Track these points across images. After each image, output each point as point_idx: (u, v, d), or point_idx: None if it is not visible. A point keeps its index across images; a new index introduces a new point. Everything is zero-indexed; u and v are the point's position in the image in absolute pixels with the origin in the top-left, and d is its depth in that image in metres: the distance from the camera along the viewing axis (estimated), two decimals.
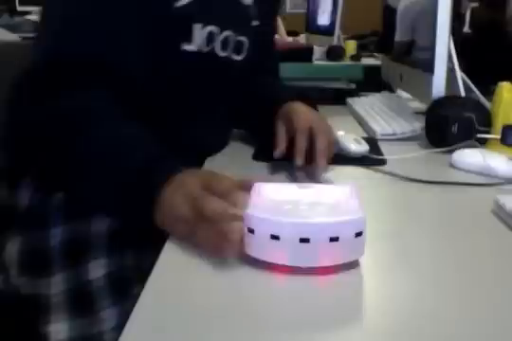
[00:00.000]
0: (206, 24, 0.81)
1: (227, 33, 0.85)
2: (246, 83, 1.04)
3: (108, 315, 0.76)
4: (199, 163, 0.90)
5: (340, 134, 0.97)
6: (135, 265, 0.80)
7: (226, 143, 1.03)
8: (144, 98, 0.78)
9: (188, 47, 0.81)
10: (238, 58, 0.91)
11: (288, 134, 0.84)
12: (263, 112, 0.96)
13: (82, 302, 0.76)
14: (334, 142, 0.86)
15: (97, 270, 0.77)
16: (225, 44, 0.85)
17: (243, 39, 0.90)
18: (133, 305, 0.48)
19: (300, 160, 0.78)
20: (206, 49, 0.83)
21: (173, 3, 0.78)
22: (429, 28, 1.09)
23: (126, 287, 0.78)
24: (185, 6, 0.78)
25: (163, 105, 0.82)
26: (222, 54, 0.86)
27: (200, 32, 0.81)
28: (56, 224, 0.78)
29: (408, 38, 1.50)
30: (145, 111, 0.75)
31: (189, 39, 0.80)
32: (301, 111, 0.88)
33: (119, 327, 0.58)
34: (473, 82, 1.18)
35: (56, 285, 0.76)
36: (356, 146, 0.94)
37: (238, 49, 0.90)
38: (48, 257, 0.77)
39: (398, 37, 1.61)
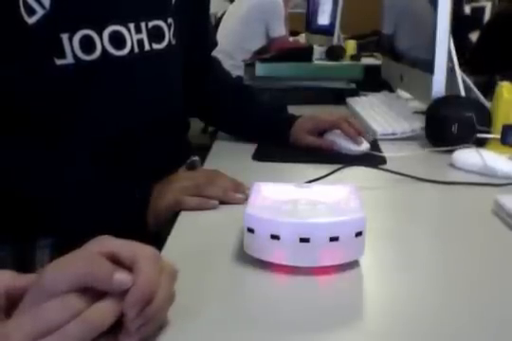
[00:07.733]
0: (74, 30, 0.74)
1: (115, 28, 0.77)
2: (199, 76, 1.01)
3: None
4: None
5: (338, 132, 0.97)
6: None
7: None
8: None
9: (63, 62, 0.74)
10: (159, 46, 0.84)
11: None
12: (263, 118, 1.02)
13: None
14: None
15: None
16: (118, 40, 0.78)
17: (158, 23, 0.83)
18: None
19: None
20: (91, 56, 0.76)
21: (25, 21, 0.72)
22: (429, 28, 1.09)
23: None
24: (39, 20, 0.72)
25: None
26: (118, 53, 0.79)
27: (70, 42, 0.74)
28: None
29: (392, 31, 1.50)
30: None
31: (60, 53, 0.74)
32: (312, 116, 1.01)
33: None
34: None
35: None
36: (356, 144, 0.95)
37: (156, 37, 0.83)
38: None
39: (385, 30, 1.61)
